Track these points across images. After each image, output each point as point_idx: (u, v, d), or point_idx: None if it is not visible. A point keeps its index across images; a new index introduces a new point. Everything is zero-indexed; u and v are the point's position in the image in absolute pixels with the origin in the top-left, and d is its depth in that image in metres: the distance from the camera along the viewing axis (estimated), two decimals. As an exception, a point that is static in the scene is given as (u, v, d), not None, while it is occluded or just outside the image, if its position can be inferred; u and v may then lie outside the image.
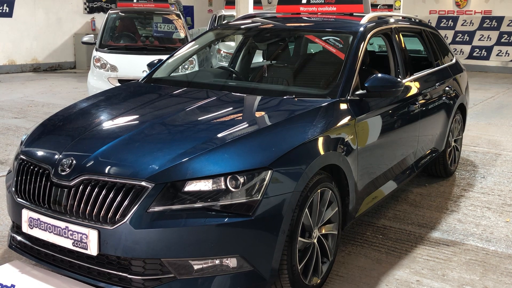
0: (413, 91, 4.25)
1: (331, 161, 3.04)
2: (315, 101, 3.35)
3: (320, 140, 2.99)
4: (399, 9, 15.16)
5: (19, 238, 2.92)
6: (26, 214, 2.75)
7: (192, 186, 2.53)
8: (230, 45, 9.78)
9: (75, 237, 2.56)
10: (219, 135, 2.82)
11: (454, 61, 5.54)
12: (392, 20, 4.49)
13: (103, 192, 2.53)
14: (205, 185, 2.53)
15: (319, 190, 2.91)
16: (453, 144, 5.27)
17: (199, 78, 4.71)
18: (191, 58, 7.13)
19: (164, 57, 4.55)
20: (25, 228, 2.78)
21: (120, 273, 2.54)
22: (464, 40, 16.19)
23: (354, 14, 4.57)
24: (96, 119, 3.22)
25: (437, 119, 4.74)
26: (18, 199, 2.84)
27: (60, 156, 2.76)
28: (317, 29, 4.36)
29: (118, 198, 2.50)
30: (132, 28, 9.85)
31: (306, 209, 2.80)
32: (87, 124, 3.12)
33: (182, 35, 9.53)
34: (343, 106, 3.37)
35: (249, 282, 2.59)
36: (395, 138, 3.95)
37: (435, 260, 3.52)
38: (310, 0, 4.74)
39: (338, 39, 4.20)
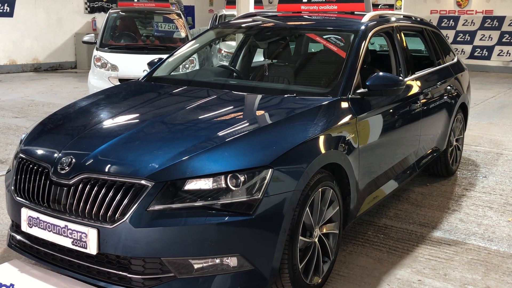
0: (415, 90, 4.23)
1: (332, 159, 3.03)
2: (316, 99, 3.33)
3: (321, 138, 2.97)
4: (400, 8, 15.13)
5: (18, 237, 2.91)
6: (25, 213, 2.74)
7: (192, 185, 2.51)
8: (231, 45, 9.75)
9: (74, 236, 2.55)
10: (220, 134, 2.80)
11: (455, 60, 5.52)
12: (393, 18, 4.47)
13: (103, 191, 2.52)
14: (205, 184, 2.52)
15: (320, 189, 2.89)
16: (454, 143, 5.25)
17: (200, 76, 4.70)
18: (192, 57, 7.11)
19: (164, 56, 4.52)
20: (24, 227, 2.76)
21: (120, 272, 2.53)
22: (465, 40, 16.16)
23: (355, 12, 4.55)
24: (96, 118, 3.21)
25: (439, 118, 4.72)
26: (17, 198, 2.82)
27: (60, 154, 2.75)
28: (318, 28, 4.35)
29: (118, 197, 2.49)
30: (132, 28, 9.84)
31: (307, 208, 2.79)
32: (87, 123, 3.10)
33: (183, 34, 9.53)
34: (344, 104, 3.35)
35: (250, 281, 2.58)
36: (396, 137, 3.93)
37: (436, 259, 3.51)
38: (311, -1, 4.73)
39: (339, 37, 4.18)
